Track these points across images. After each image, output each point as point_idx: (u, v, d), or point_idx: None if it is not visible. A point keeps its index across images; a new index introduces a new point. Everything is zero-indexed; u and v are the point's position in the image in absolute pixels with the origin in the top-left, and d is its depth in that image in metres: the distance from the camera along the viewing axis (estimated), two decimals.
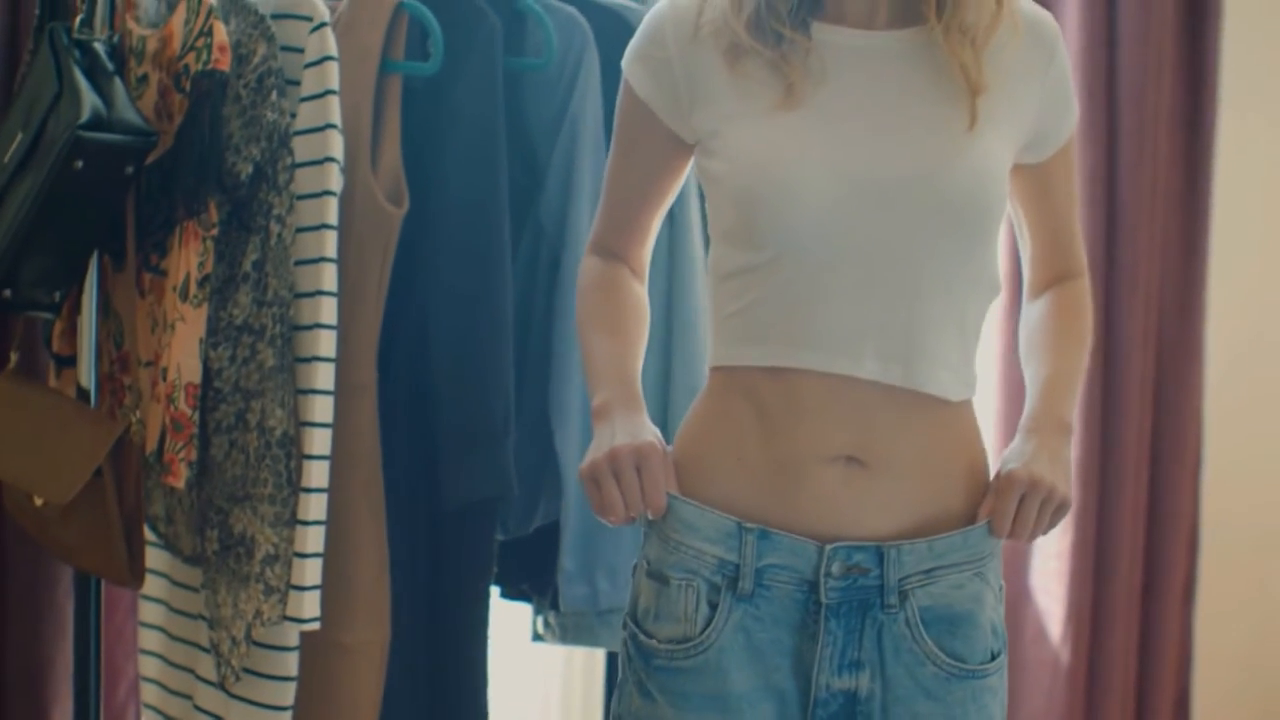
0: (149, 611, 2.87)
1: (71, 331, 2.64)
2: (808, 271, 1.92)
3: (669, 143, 2.06)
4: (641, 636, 2.01)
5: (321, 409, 2.46)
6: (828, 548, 1.92)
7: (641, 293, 2.16)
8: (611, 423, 1.99)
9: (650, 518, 1.99)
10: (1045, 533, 1.98)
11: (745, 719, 1.96)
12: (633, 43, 2.07)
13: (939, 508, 1.97)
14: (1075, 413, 2.07)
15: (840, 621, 1.94)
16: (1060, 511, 1.97)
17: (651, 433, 1.99)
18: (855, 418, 1.93)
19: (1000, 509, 1.95)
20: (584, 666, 3.79)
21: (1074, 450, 2.15)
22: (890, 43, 1.97)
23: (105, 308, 2.59)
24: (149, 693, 2.88)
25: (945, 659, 1.95)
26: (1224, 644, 4.36)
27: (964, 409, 2.00)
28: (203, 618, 2.63)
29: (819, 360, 1.93)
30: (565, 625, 3.01)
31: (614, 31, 2.87)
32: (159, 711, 2.86)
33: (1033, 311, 2.14)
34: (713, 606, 1.96)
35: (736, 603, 1.95)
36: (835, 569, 1.92)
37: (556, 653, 3.70)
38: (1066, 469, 1.99)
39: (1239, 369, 4.35)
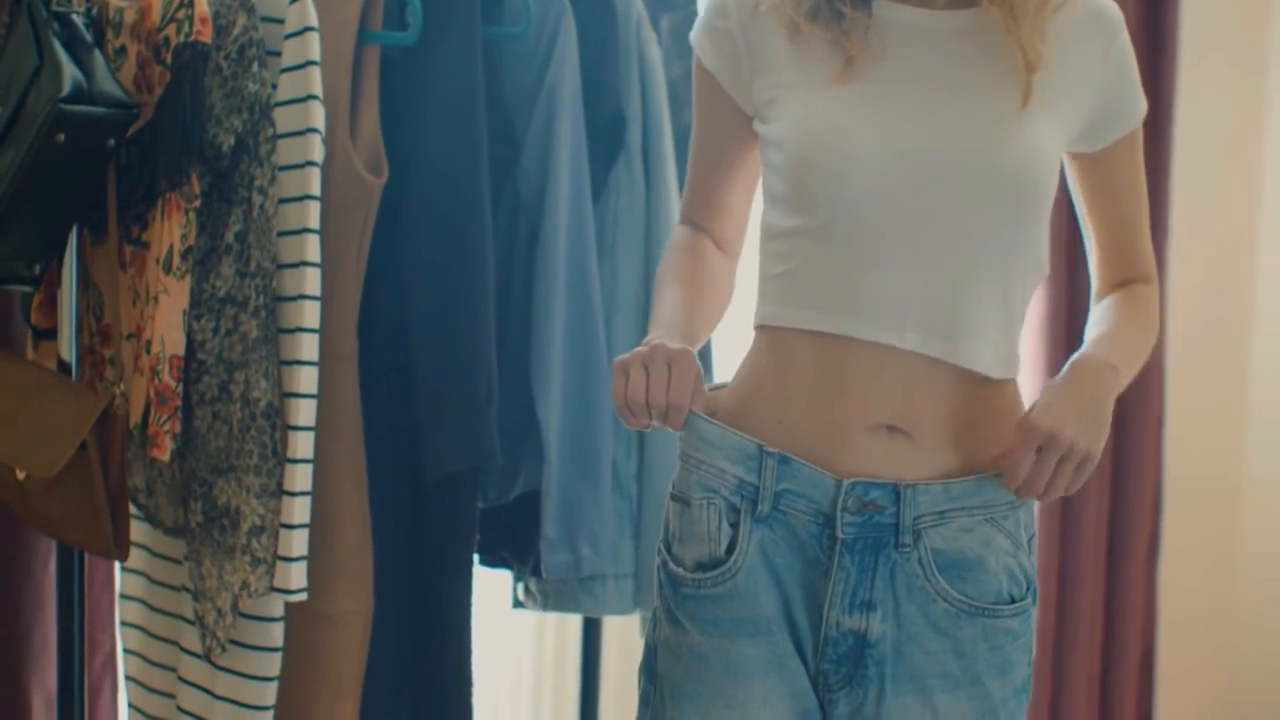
0: (129, 584, 2.87)
1: (50, 304, 2.63)
2: (855, 240, 1.95)
3: (734, 116, 2.10)
4: (671, 565, 2.04)
5: (306, 380, 2.46)
6: (845, 482, 1.94)
7: (721, 262, 2.16)
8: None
9: (670, 425, 1.97)
10: (1069, 491, 1.92)
11: (775, 640, 1.99)
12: (700, 16, 2.12)
13: (968, 470, 1.99)
14: (1128, 371, 2.00)
15: (854, 558, 1.96)
16: (1083, 468, 1.90)
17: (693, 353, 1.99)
18: (897, 389, 1.95)
19: (1014, 462, 1.91)
20: (556, 632, 3.79)
21: None
22: (949, 22, 1.99)
23: (85, 280, 2.58)
24: (131, 664, 2.88)
25: (956, 595, 1.97)
26: (1187, 604, 4.40)
27: (1007, 388, 2.02)
28: (185, 589, 2.63)
29: (861, 328, 1.95)
30: (547, 592, 3.02)
31: (590, 1, 2.88)
32: (141, 684, 2.86)
33: (1095, 310, 2.13)
34: (734, 527, 1.98)
35: (756, 525, 1.98)
36: (851, 504, 1.94)
37: (528, 618, 3.71)
38: (1097, 416, 1.91)
39: (1199, 330, 4.38)
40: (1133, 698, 4.28)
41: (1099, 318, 2.10)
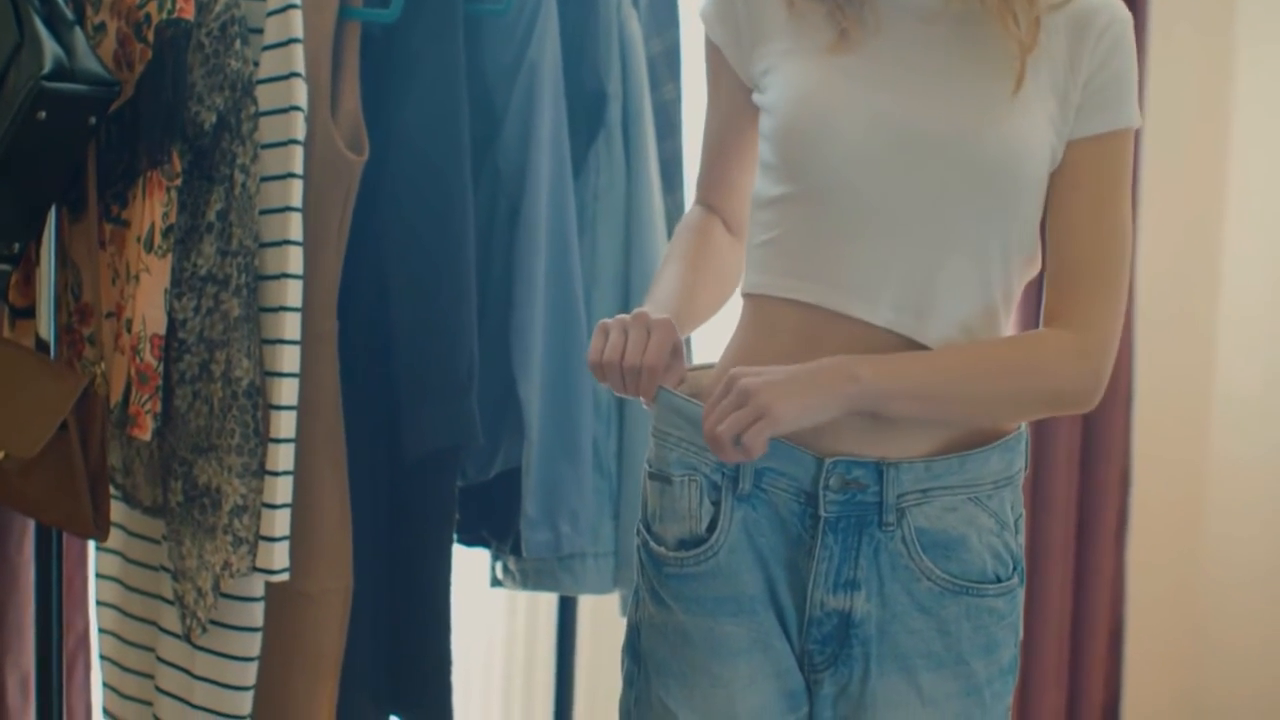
0: (104, 563, 2.86)
1: (26, 282, 2.61)
2: (836, 211, 1.95)
3: (739, 91, 2.10)
4: (652, 544, 2.03)
5: (289, 359, 2.45)
6: (827, 461, 1.93)
7: (729, 244, 2.15)
8: None
9: (641, 394, 1.96)
10: (746, 440, 1.84)
11: (760, 619, 1.99)
12: None
13: (950, 448, 1.98)
14: (881, 388, 1.89)
15: (838, 537, 1.95)
16: (760, 424, 1.84)
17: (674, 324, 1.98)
18: None
19: (711, 397, 1.89)
20: (528, 609, 3.79)
21: None
22: (946, 4, 1.98)
23: (62, 258, 2.56)
24: (106, 644, 2.87)
25: (940, 574, 1.96)
26: (1154, 582, 4.43)
27: None
28: (164, 569, 2.62)
29: (836, 300, 1.95)
30: (526, 571, 3.01)
31: None
32: (116, 663, 2.84)
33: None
34: (715, 505, 1.98)
35: (738, 503, 1.97)
36: (834, 483, 1.93)
37: (499, 596, 3.70)
38: (801, 391, 1.86)
39: (1166, 312, 4.39)
40: (1101, 675, 4.30)
41: (974, 347, 1.98)
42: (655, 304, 2.02)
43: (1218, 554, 4.45)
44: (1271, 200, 4.34)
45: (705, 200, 2.19)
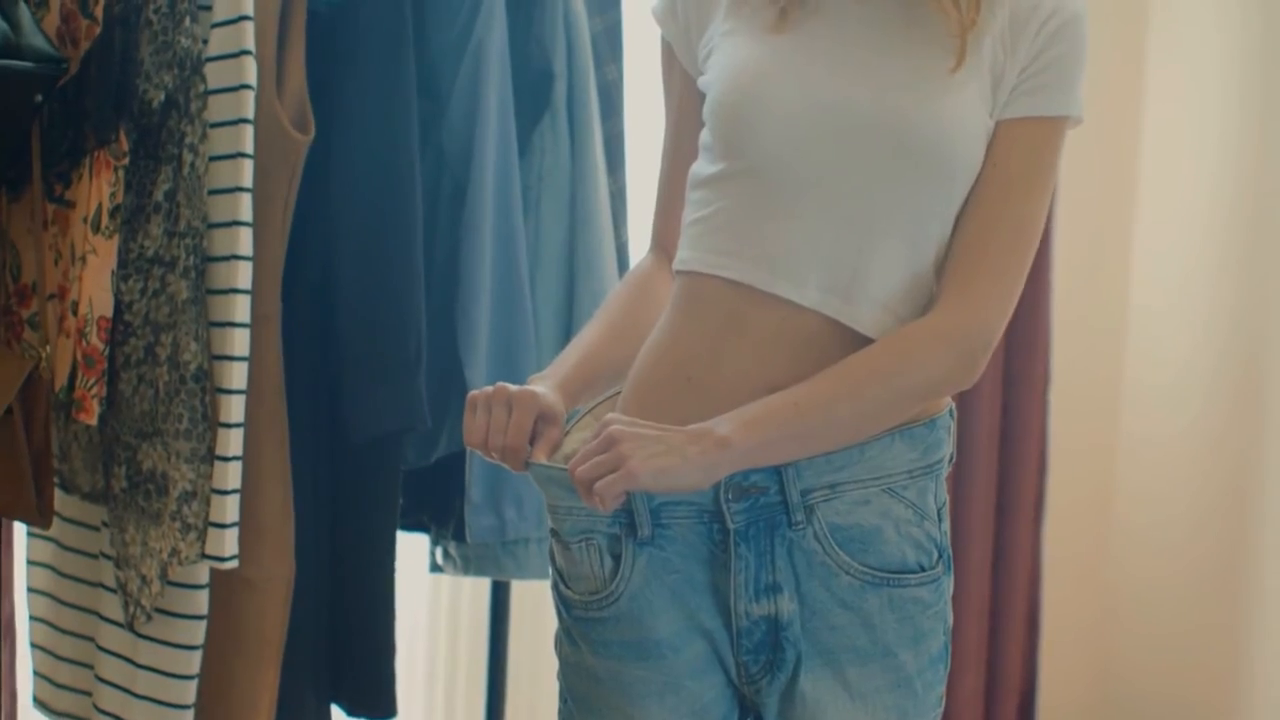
0: (36, 549, 2.81)
1: None
2: (768, 188, 1.92)
3: (690, 92, 2.06)
4: (562, 587, 2.02)
5: (239, 342, 2.41)
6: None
7: (667, 295, 2.06)
8: None
9: (510, 468, 1.95)
10: (599, 489, 1.80)
11: (668, 664, 1.96)
12: None
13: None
14: (752, 444, 1.86)
15: (750, 545, 1.92)
16: (614, 477, 1.80)
17: (544, 389, 1.95)
18: (789, 350, 1.92)
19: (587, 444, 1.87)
20: (450, 594, 3.76)
21: None
22: None
23: (1, 238, 2.51)
24: (37, 632, 2.82)
25: (858, 567, 1.93)
26: (1068, 564, 4.47)
27: None
28: (103, 555, 2.58)
29: (764, 279, 1.92)
30: (467, 556, 2.98)
31: None
32: (48, 651, 2.80)
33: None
34: (616, 558, 1.95)
35: (639, 549, 1.94)
36: (733, 494, 1.90)
37: (424, 581, 3.67)
38: (666, 454, 1.82)
39: (1080, 301, 4.43)
40: (1019, 657, 4.32)
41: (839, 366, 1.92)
42: (556, 367, 2.01)
43: (1128, 537, 4.50)
44: (1181, 195, 4.38)
45: (658, 242, 2.15)
